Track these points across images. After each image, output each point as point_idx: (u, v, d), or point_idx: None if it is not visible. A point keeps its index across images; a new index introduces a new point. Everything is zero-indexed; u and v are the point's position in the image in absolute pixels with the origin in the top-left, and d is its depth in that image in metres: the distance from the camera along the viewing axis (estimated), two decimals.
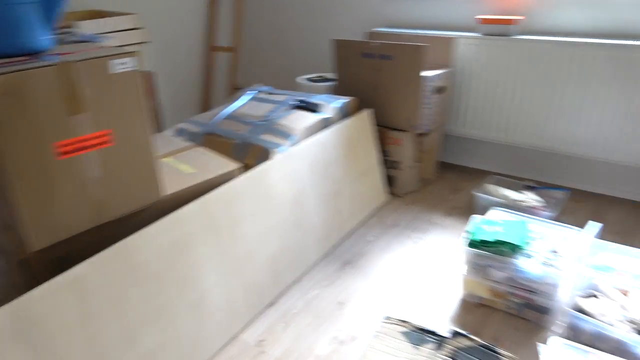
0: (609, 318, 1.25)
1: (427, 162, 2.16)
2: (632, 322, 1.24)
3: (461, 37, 2.04)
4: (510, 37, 1.94)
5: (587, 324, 1.25)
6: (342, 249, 1.74)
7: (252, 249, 1.40)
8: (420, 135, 2.04)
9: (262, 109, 1.84)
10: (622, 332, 1.21)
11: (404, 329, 1.14)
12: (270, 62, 2.94)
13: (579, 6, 1.85)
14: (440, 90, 2.04)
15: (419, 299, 1.47)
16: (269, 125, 1.73)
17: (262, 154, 1.61)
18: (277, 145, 1.62)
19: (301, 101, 1.87)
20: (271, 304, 1.46)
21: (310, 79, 2.36)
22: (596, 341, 1.24)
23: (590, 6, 1.83)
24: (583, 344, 1.16)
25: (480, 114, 2.11)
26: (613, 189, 2.04)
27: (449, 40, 2.05)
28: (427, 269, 1.61)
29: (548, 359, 1.08)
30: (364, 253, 1.71)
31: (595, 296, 1.34)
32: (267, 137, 1.67)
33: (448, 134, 2.29)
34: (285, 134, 1.67)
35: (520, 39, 1.91)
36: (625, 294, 1.33)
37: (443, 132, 2.25)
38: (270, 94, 2.01)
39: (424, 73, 1.90)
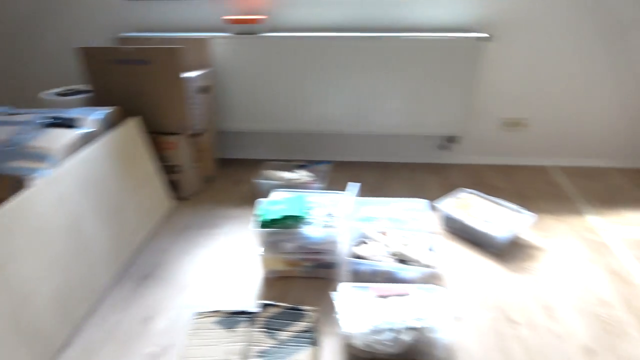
0: (378, 256, 1.54)
1: (207, 161, 2.21)
2: (393, 254, 1.55)
3: (214, 37, 2.13)
4: (258, 35, 2.12)
5: (364, 266, 1.51)
6: (137, 264, 1.65)
7: (28, 292, 1.21)
8: (194, 135, 2.07)
9: (3, 133, 1.58)
10: (388, 264, 1.50)
11: (217, 318, 1.18)
12: (1, 78, 2.49)
13: (310, 6, 2.15)
14: (205, 89, 2.09)
15: (226, 288, 1.52)
16: (17, 149, 1.49)
17: (15, 184, 1.39)
18: (34, 171, 1.42)
19: (54, 118, 1.66)
20: (65, 346, 1.29)
21: (58, 94, 2.10)
22: (373, 277, 1.51)
23: (318, 5, 2.14)
24: (364, 282, 1.39)
25: (248, 108, 2.26)
26: (364, 155, 2.47)
27: (202, 41, 2.12)
28: (227, 260, 1.67)
29: (340, 302, 1.27)
30: (162, 263, 1.66)
31: (365, 242, 1.62)
32: (18, 164, 1.44)
33: (222, 131, 2.38)
34: (40, 156, 1.47)
35: (267, 36, 2.11)
36: (385, 235, 1.65)
37: (216, 130, 2.32)
38: (11, 114, 1.73)
39: (185, 74, 1.92)
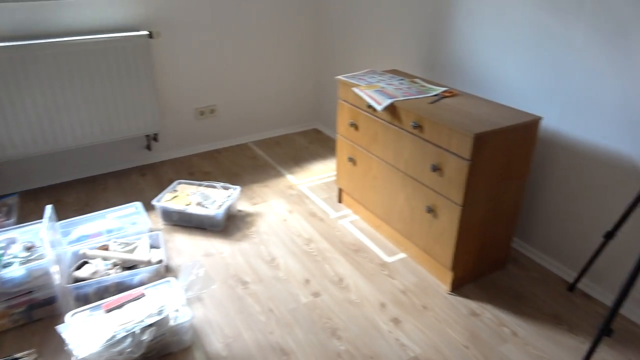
0: (101, 272, 1.46)
1: None
2: (115, 264, 1.49)
3: None
4: None
5: (89, 287, 1.41)
6: None
7: None
8: None
9: None
10: (114, 275, 1.44)
11: None
12: None
13: None
14: None
15: None
16: None
17: None
18: None
19: None
20: None
21: None
22: (103, 293, 1.42)
23: None
24: (94, 303, 1.30)
25: None
26: (64, 175, 2.22)
27: None
28: None
29: (70, 334, 1.16)
30: None
31: (87, 262, 1.51)
32: None
33: None
34: None
35: None
36: (106, 249, 1.57)
37: None
38: None
39: None
